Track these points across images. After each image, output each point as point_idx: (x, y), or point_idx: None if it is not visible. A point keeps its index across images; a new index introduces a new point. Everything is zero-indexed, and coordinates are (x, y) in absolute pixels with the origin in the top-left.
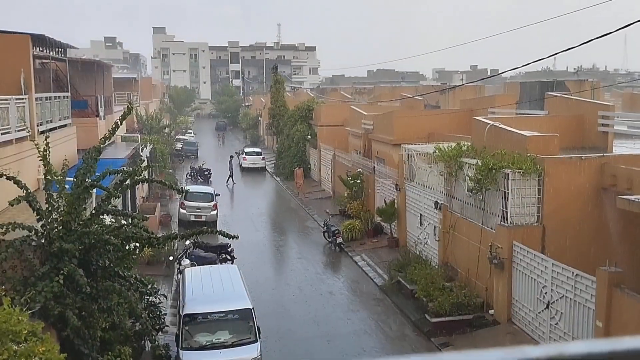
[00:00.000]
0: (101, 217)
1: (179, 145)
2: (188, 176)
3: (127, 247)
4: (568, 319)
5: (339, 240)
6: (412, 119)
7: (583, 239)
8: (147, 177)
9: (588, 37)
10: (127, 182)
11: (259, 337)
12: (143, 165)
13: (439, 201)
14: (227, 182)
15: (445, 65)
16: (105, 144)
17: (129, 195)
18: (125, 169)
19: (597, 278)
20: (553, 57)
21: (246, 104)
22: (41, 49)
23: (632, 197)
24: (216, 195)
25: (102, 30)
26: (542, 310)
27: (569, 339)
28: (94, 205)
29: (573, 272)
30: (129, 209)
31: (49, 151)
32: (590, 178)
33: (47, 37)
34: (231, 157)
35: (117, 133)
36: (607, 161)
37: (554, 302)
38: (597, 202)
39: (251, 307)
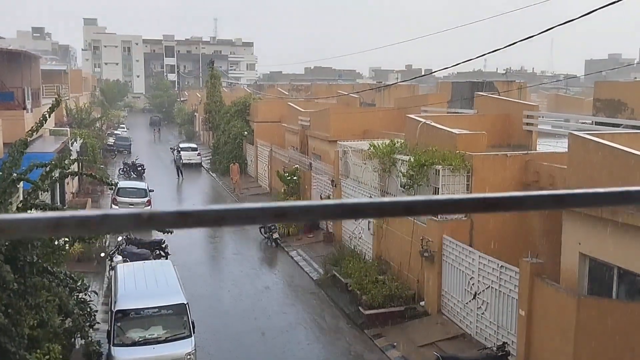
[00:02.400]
0: (29, 212)
1: (111, 140)
2: (120, 171)
3: (56, 242)
4: (493, 308)
5: (276, 235)
6: (348, 116)
7: (508, 232)
8: (77, 170)
9: (517, 39)
10: (56, 174)
11: (194, 332)
12: (71, 157)
13: (373, 197)
14: (178, 177)
15: (382, 64)
16: (33, 137)
17: (58, 191)
18: (53, 162)
19: (520, 269)
20: (484, 59)
21: (181, 99)
22: None
23: None
24: (150, 191)
25: (29, 21)
26: (470, 301)
27: (494, 328)
28: (20, 200)
29: (498, 264)
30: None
31: None
32: (515, 174)
33: None
34: (175, 150)
35: (45, 127)
36: (531, 158)
37: (480, 292)
38: None
39: (185, 302)
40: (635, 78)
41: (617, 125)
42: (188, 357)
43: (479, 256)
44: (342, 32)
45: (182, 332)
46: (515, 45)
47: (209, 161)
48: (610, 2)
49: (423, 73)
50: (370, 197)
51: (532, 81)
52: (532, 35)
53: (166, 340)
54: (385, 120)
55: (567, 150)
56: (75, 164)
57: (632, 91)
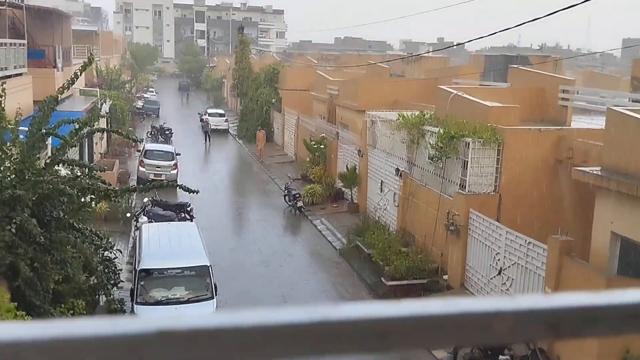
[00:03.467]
0: (56, 168)
1: (140, 104)
2: (148, 135)
3: (82, 199)
4: (518, 285)
5: (300, 204)
6: (378, 86)
7: (537, 209)
8: (105, 128)
9: (554, 17)
10: (84, 131)
11: (216, 294)
12: (100, 114)
13: (400, 168)
14: (205, 142)
15: (413, 37)
16: (63, 94)
17: (86, 150)
18: (82, 120)
19: (549, 246)
20: (518, 34)
21: (210, 64)
22: None
23: (586, 169)
24: (177, 154)
25: None
26: (494, 277)
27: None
28: (49, 155)
29: (526, 240)
30: None
31: (5, 98)
32: (548, 150)
33: None
34: (203, 116)
35: (75, 86)
36: (564, 134)
37: (506, 268)
38: (553, 173)
39: (208, 264)
40: None
41: None
42: None
43: (506, 232)
44: (374, 2)
45: (204, 293)
46: (553, 15)
47: (236, 128)
48: None
49: (454, 45)
50: (397, 168)
51: (567, 58)
52: (573, 4)
53: (188, 301)
54: (415, 92)
55: (603, 126)
56: (104, 123)
57: None
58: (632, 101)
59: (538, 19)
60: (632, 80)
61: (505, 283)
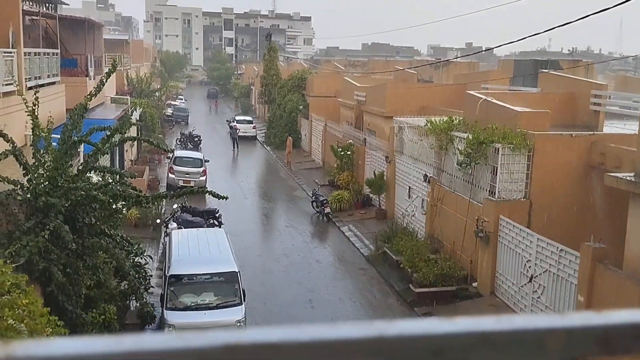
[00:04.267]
0: (88, 174)
1: (169, 111)
2: (178, 142)
3: (114, 206)
4: (550, 293)
5: (327, 210)
6: (405, 91)
7: (569, 215)
8: (135, 135)
9: (585, 21)
10: (116, 139)
11: (244, 300)
12: (131, 122)
13: (428, 174)
14: (233, 149)
15: (441, 42)
16: (91, 100)
17: (117, 158)
18: (114, 127)
19: (581, 253)
20: (548, 38)
21: (238, 72)
22: (31, 4)
23: (620, 175)
24: (206, 161)
25: None
26: (525, 284)
27: (550, 313)
28: (81, 162)
29: (557, 247)
30: None
31: (38, 106)
32: (579, 155)
33: None
34: (231, 123)
35: (106, 94)
36: (597, 139)
37: (537, 276)
38: (585, 179)
39: (237, 270)
40: None
41: None
42: (238, 324)
43: (537, 239)
44: (401, 8)
45: (233, 299)
46: (585, 19)
47: (264, 134)
48: None
49: (484, 50)
50: (425, 174)
51: (599, 62)
52: (606, 8)
53: (217, 307)
54: (443, 97)
55: (636, 131)
56: (135, 130)
57: None
58: None
59: (569, 23)
60: None
61: (536, 291)
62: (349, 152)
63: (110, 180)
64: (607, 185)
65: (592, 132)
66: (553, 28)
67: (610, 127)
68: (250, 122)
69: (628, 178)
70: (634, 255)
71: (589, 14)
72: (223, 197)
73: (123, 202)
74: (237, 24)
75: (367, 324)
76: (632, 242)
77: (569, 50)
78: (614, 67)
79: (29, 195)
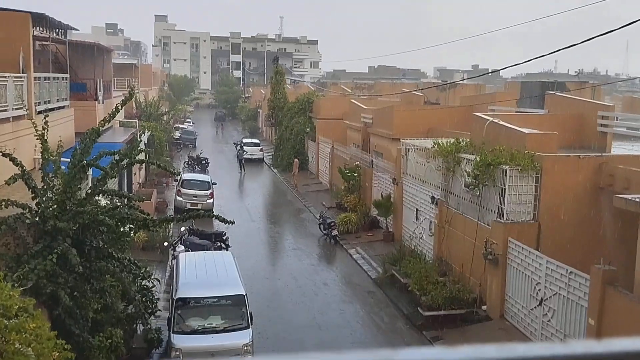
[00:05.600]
0: (96, 198)
1: (177, 134)
2: (185, 164)
3: (121, 229)
4: (560, 316)
5: (335, 232)
6: (412, 113)
7: (578, 238)
8: (144, 159)
9: (591, 42)
10: (123, 162)
11: (251, 324)
12: (139, 147)
13: (435, 196)
14: (239, 171)
15: (447, 64)
16: (105, 127)
17: (125, 181)
18: (122, 151)
19: (591, 276)
20: (555, 60)
21: (246, 95)
22: (41, 30)
23: (629, 197)
24: (213, 184)
25: (103, 17)
26: (535, 307)
27: (560, 337)
28: (89, 186)
29: (567, 270)
30: None
31: (47, 130)
32: (587, 177)
33: (48, 16)
34: (238, 146)
35: (115, 118)
36: (605, 161)
37: (547, 299)
38: (594, 201)
39: (244, 294)
40: None
41: None
42: (245, 348)
43: (547, 261)
44: (407, 31)
45: (240, 322)
46: (591, 41)
47: (271, 157)
48: None
49: (490, 72)
50: (433, 196)
51: (605, 84)
52: (610, 30)
53: (224, 330)
54: (450, 119)
55: None
56: (143, 154)
57: None
58: None
59: (574, 45)
60: None
61: (546, 314)
62: (356, 174)
63: (118, 204)
64: (616, 207)
65: (600, 154)
66: (559, 50)
67: (618, 149)
68: (257, 144)
69: (637, 199)
70: None
71: (595, 36)
72: (230, 222)
73: (131, 226)
74: (245, 48)
75: (373, 352)
76: None
77: (575, 71)
78: (620, 88)
79: (37, 219)
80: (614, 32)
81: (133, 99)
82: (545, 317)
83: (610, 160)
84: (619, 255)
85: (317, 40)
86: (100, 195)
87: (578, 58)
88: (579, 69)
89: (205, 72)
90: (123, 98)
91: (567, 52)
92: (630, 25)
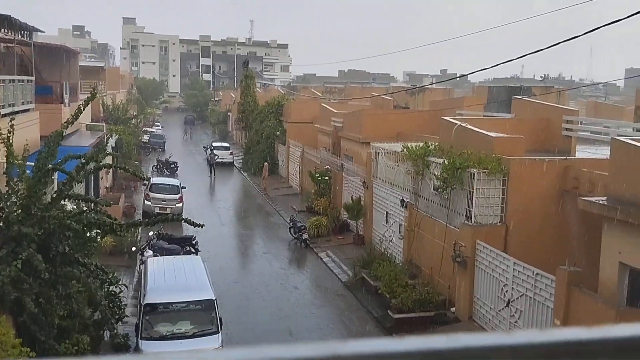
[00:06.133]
0: (62, 202)
1: (145, 138)
2: (154, 168)
3: (88, 234)
4: (527, 317)
5: (305, 236)
6: (382, 117)
7: (545, 240)
8: (111, 163)
9: (557, 48)
10: (91, 167)
11: (221, 329)
12: (106, 151)
13: (405, 199)
14: (210, 175)
15: (416, 69)
16: (68, 128)
17: (92, 185)
18: (89, 155)
19: (557, 277)
20: (521, 65)
21: (216, 98)
22: (6, 32)
23: (593, 199)
24: (182, 188)
25: (70, 19)
26: (503, 309)
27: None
28: (55, 190)
29: (533, 271)
30: None
31: (13, 134)
32: (553, 180)
33: (13, 18)
34: (208, 149)
35: (82, 122)
36: (570, 164)
37: (514, 300)
38: (559, 203)
39: (214, 298)
40: None
41: None
42: None
43: (514, 263)
44: (377, 36)
45: (209, 328)
46: (556, 46)
47: (241, 160)
48: None
49: (458, 76)
50: (402, 199)
51: (570, 88)
52: (576, 35)
53: (193, 336)
54: (419, 123)
55: (608, 156)
56: (110, 158)
57: None
58: (636, 130)
59: (540, 50)
60: (635, 110)
61: (513, 315)
62: (326, 178)
63: (85, 208)
64: (580, 209)
65: (565, 157)
66: (525, 55)
67: (583, 152)
68: (227, 148)
69: (601, 202)
70: (608, 279)
71: (560, 41)
72: (199, 225)
73: (97, 230)
74: (215, 51)
75: (322, 344)
76: (606, 265)
77: (541, 77)
78: (584, 93)
79: (1, 224)
80: (578, 37)
81: (100, 102)
82: (513, 318)
83: (575, 163)
84: (583, 256)
85: (287, 44)
86: (66, 200)
87: (544, 64)
88: (545, 74)
89: (174, 76)
90: (92, 100)
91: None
92: (594, 32)
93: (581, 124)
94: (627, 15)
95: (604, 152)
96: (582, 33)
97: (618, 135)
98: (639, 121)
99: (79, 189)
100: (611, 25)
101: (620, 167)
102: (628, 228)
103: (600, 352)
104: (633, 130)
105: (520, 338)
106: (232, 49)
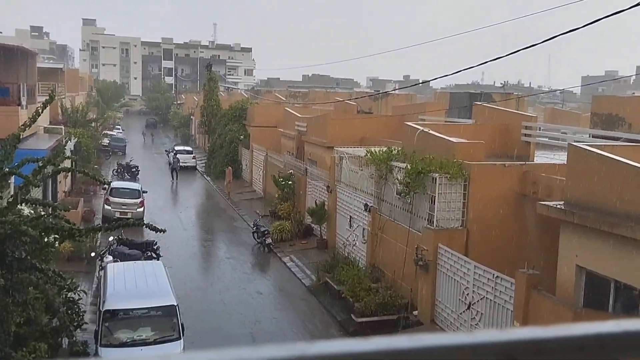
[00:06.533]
0: (19, 207)
1: (106, 141)
2: (115, 172)
3: (45, 239)
4: (488, 319)
5: (268, 240)
6: (345, 122)
7: (504, 243)
8: (69, 167)
9: (516, 55)
10: (48, 171)
11: (183, 335)
12: (64, 154)
13: (368, 204)
14: (172, 179)
15: (379, 74)
16: (26, 133)
17: (50, 189)
18: (46, 158)
19: (516, 280)
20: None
21: (178, 102)
22: None
23: (551, 203)
24: (143, 192)
25: (28, 20)
26: (464, 311)
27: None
28: (11, 194)
29: (494, 274)
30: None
31: None
32: (512, 185)
33: None
34: (172, 152)
35: (39, 124)
36: (528, 169)
37: (475, 303)
38: (518, 208)
39: (175, 304)
40: (634, 93)
41: (617, 139)
42: None
43: (475, 266)
44: (341, 41)
45: (171, 334)
46: (516, 54)
47: (204, 164)
48: (607, 14)
49: (420, 82)
50: (366, 203)
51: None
52: (534, 43)
53: (155, 342)
54: (382, 128)
55: (565, 161)
56: (69, 161)
57: (629, 106)
58: (592, 136)
59: (500, 57)
60: (591, 116)
61: (474, 318)
62: (290, 182)
63: (43, 213)
64: (539, 214)
65: (523, 162)
66: (485, 62)
67: (541, 158)
68: (190, 152)
69: (558, 206)
70: (565, 281)
71: (519, 49)
72: (161, 230)
73: (55, 236)
74: (177, 54)
75: (289, 345)
76: (563, 268)
77: (501, 83)
78: (543, 99)
79: None
80: (536, 45)
81: (58, 104)
82: (474, 321)
83: (533, 168)
84: (542, 259)
85: (251, 48)
86: (23, 205)
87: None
88: (504, 81)
89: (135, 78)
90: (51, 102)
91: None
92: (551, 40)
93: (539, 130)
94: (583, 24)
95: (561, 158)
96: (540, 41)
97: (575, 141)
98: (595, 127)
99: (36, 193)
100: (568, 34)
101: (576, 172)
102: (584, 232)
103: (556, 350)
104: (589, 137)
105: (480, 337)
106: (195, 52)
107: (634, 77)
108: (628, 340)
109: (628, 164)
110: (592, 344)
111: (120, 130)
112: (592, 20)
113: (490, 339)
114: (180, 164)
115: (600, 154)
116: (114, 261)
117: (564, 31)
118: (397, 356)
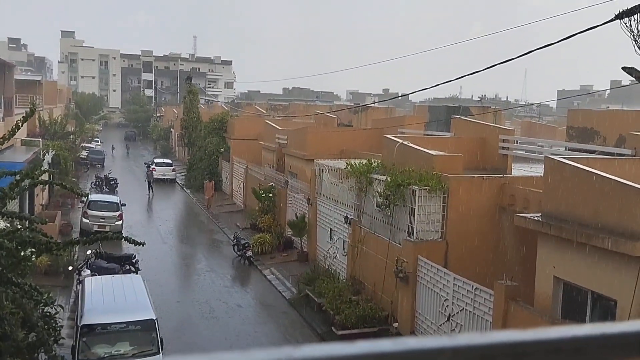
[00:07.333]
0: None
1: (84, 154)
2: (93, 185)
3: (22, 253)
4: (467, 330)
5: (249, 253)
6: (326, 135)
7: (483, 255)
8: (47, 180)
9: (493, 69)
10: (25, 184)
11: (162, 349)
12: (42, 167)
13: (349, 216)
14: (147, 192)
15: (359, 88)
16: (4, 146)
17: (27, 202)
18: (24, 171)
19: (495, 291)
20: (459, 86)
21: (158, 114)
22: None
23: (528, 215)
24: (122, 205)
25: (5, 31)
26: (444, 323)
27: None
28: None
29: (473, 286)
30: None
31: None
32: (491, 197)
33: None
34: (147, 166)
35: (17, 137)
36: (506, 182)
37: (454, 314)
38: (496, 220)
39: (154, 318)
40: (608, 107)
41: (592, 152)
42: None
43: (454, 278)
44: (321, 55)
45: (149, 349)
46: (493, 68)
47: (184, 177)
48: (584, 29)
49: (400, 96)
50: (346, 216)
51: (506, 109)
52: (511, 58)
53: (133, 357)
54: (362, 141)
55: (542, 174)
56: (46, 174)
57: (604, 119)
58: (568, 149)
59: (478, 71)
60: (567, 130)
61: (454, 329)
62: (270, 195)
63: (19, 226)
64: (516, 225)
65: (501, 175)
66: (463, 76)
67: (518, 170)
68: (169, 164)
69: (535, 218)
70: (543, 292)
71: (496, 63)
72: (139, 244)
73: (32, 249)
74: (157, 67)
75: (276, 349)
76: (541, 279)
77: (478, 97)
78: (519, 113)
79: None
80: (513, 60)
81: (36, 116)
82: (453, 333)
83: (511, 181)
84: (520, 271)
85: (231, 61)
86: None
87: (481, 84)
88: (482, 95)
89: (114, 90)
90: (31, 116)
91: (472, 79)
92: (528, 55)
93: (517, 143)
94: (558, 39)
95: (538, 170)
96: (517, 56)
97: (551, 154)
98: (571, 140)
99: (13, 206)
100: (544, 48)
101: (553, 184)
102: (561, 243)
103: (534, 353)
104: (565, 149)
105: (461, 340)
106: (175, 64)
107: (608, 91)
108: (604, 343)
109: (603, 176)
110: (569, 347)
111: (99, 143)
112: (567, 36)
113: (471, 342)
114: (158, 177)
115: (576, 167)
116: (92, 275)
117: (540, 46)
118: (381, 358)
